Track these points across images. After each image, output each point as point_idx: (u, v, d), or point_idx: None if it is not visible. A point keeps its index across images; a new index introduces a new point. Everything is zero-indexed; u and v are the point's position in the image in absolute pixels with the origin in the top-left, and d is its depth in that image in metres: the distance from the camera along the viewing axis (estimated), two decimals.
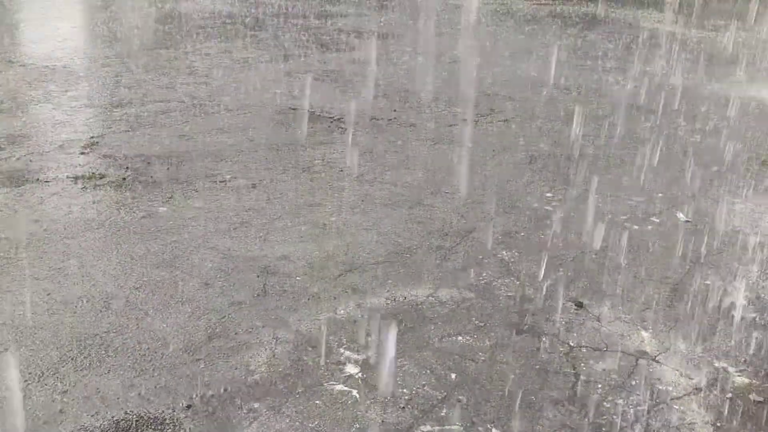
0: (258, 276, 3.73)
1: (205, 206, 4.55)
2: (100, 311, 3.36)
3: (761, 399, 2.93)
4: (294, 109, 6.72)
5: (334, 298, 3.55)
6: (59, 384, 2.86)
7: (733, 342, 3.32)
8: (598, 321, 3.44)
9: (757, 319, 3.53)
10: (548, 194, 4.94)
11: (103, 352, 3.06)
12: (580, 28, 12.09)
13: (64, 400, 2.77)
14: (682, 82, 8.20)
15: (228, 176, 5.05)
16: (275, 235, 4.19)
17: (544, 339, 3.28)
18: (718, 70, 8.92)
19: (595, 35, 11.38)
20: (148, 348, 3.10)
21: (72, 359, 3.01)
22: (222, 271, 3.76)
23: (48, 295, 3.48)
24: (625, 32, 11.62)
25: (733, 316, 3.54)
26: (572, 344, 3.25)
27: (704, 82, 8.28)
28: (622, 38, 11.05)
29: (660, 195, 4.97)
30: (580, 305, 3.57)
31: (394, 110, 6.79)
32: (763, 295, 3.76)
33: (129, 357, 3.04)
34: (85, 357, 3.02)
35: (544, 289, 3.71)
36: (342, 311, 3.45)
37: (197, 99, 6.92)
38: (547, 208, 4.71)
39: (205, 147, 5.62)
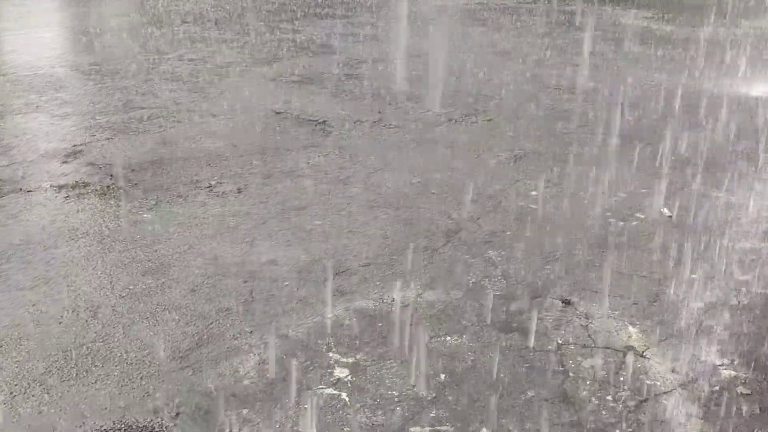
0: (245, 281, 3.72)
1: (190, 212, 4.54)
2: (86, 321, 3.34)
3: (748, 392, 2.95)
4: (279, 112, 6.71)
5: (322, 301, 3.55)
6: (46, 395, 2.84)
7: (719, 336, 3.35)
8: (586, 318, 3.46)
9: (742, 313, 3.56)
10: (533, 192, 4.95)
11: (90, 361, 3.04)
12: (563, 24, 12.13)
13: (51, 411, 2.75)
14: (668, 80, 8.25)
15: (213, 182, 5.03)
16: (262, 240, 4.18)
17: (532, 337, 3.28)
18: (702, 68, 8.97)
19: (579, 32, 11.42)
20: (136, 356, 3.09)
21: (58, 370, 2.99)
22: (208, 277, 3.75)
23: (33, 305, 3.46)
24: (606, 29, 11.67)
25: (719, 311, 3.56)
26: (560, 342, 3.26)
27: (689, 80, 8.33)
28: (604, 35, 11.09)
29: (644, 191, 4.99)
30: (567, 303, 3.58)
31: (379, 112, 6.79)
32: (746, 288, 3.78)
33: (116, 366, 3.02)
34: (71, 367, 3.00)
35: (532, 288, 3.72)
36: (330, 314, 3.44)
37: (181, 104, 6.90)
38: (532, 206, 4.73)
39: (190, 153, 5.60)
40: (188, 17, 12.24)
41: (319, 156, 5.59)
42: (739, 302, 3.64)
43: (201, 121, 6.43)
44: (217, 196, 4.80)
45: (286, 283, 3.72)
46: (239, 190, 4.89)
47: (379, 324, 3.37)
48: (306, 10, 13.36)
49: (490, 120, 6.63)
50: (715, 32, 11.32)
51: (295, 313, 3.45)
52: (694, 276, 3.87)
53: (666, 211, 4.67)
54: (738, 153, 5.81)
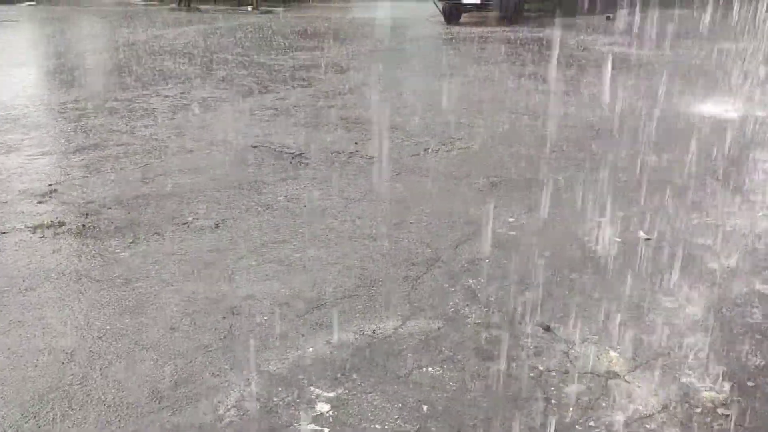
0: (224, 317, 3.69)
1: (167, 249, 4.50)
2: (63, 363, 3.29)
3: (728, 413, 2.96)
4: (255, 146, 6.71)
5: (302, 335, 3.53)
6: None
7: (700, 358, 3.36)
8: (567, 344, 3.46)
9: (722, 335, 3.58)
10: (511, 219, 4.98)
11: (67, 406, 2.99)
12: (534, 52, 12.30)
13: None
14: (640, 105, 8.37)
15: (190, 217, 5.01)
16: (240, 275, 4.16)
17: (514, 365, 3.28)
18: (671, 91, 9.12)
19: (550, 59, 11.58)
20: (114, 399, 3.04)
21: (34, 416, 2.93)
22: (187, 315, 3.71)
23: (8, 349, 3.40)
24: (576, 55, 11.84)
25: (699, 333, 3.58)
26: (542, 368, 3.26)
27: (664, 103, 8.45)
28: (574, 61, 11.26)
29: (621, 214, 5.03)
30: (547, 329, 3.58)
31: (356, 143, 6.82)
32: (724, 311, 3.81)
33: (93, 409, 2.97)
34: (48, 412, 2.95)
35: (512, 315, 3.72)
36: (310, 349, 3.42)
37: (157, 141, 6.89)
38: (511, 233, 4.75)
39: (167, 189, 5.58)
40: (164, 53, 12.27)
41: (296, 189, 5.59)
42: (719, 324, 3.66)
43: (178, 156, 6.41)
44: (195, 231, 4.77)
45: (266, 317, 3.69)
46: (217, 225, 4.87)
47: (360, 356, 3.34)
48: (282, 43, 13.46)
49: (466, 148, 6.68)
50: (680, 55, 11.52)
51: (276, 348, 3.42)
52: (673, 299, 3.89)
53: (644, 234, 4.71)
54: (710, 174, 5.88)
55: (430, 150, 6.63)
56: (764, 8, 11.97)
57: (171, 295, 3.92)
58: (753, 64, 10.20)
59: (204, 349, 3.40)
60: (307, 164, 6.19)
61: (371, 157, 6.41)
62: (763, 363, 3.31)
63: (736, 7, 12.85)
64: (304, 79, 9.96)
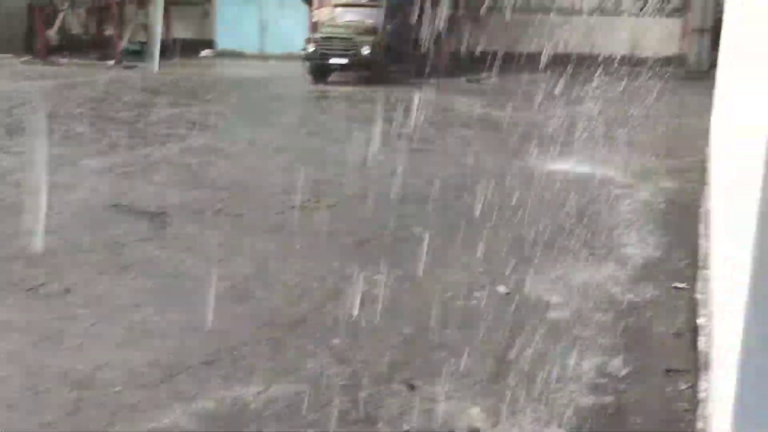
0: (71, 390, 3.43)
1: (11, 318, 4.18)
2: None
3: None
4: (115, 205, 6.43)
5: (157, 406, 3.33)
6: None
7: (559, 409, 3.45)
8: (431, 401, 3.46)
9: (582, 385, 3.70)
10: (375, 277, 4.99)
11: None
12: (399, 111, 12.63)
13: None
14: (499, 161, 8.72)
15: (37, 282, 4.69)
16: (91, 344, 3.90)
17: (380, 425, 3.24)
18: (532, 150, 9.57)
19: (412, 119, 11.91)
20: None
21: None
22: (30, 390, 3.43)
23: None
24: (440, 114, 12.26)
25: (560, 384, 3.68)
26: (407, 428, 3.23)
27: (519, 160, 8.85)
28: (438, 121, 11.64)
29: (481, 270, 5.16)
30: (412, 387, 3.57)
31: (221, 200, 6.68)
32: (582, 363, 3.94)
33: None
34: None
35: (377, 374, 3.69)
36: (166, 420, 3.23)
37: (5, 200, 6.46)
38: (375, 291, 4.75)
39: (15, 252, 5.21)
40: (17, 107, 11.64)
41: (156, 249, 5.38)
42: (578, 375, 3.78)
43: (29, 216, 6.02)
44: (42, 298, 4.46)
45: (118, 388, 3.47)
46: (67, 290, 4.58)
47: (221, 426, 3.19)
48: (143, 100, 13.12)
49: (332, 205, 6.69)
50: (537, 116, 12.20)
51: (127, 421, 3.21)
52: (533, 351, 4.00)
53: (503, 288, 4.85)
54: (567, 229, 6.16)
55: (296, 207, 6.59)
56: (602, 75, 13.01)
57: (13, 368, 3.62)
58: (598, 125, 10.93)
59: (47, 427, 3.14)
60: (170, 223, 5.99)
61: (236, 215, 6.29)
62: None
63: (587, 73, 13.81)
64: (166, 136, 9.71)
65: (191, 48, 21.59)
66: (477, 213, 6.61)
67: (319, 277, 4.93)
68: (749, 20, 3.42)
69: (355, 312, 4.41)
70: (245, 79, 17.21)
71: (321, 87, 16.09)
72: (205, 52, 22.30)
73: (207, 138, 9.69)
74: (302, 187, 7.26)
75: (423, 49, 16.40)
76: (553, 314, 4.48)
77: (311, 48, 16.70)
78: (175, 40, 20.77)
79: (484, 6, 20.53)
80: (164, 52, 19.11)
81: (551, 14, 21.20)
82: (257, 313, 4.36)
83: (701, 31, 19.62)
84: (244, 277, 4.91)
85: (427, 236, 5.87)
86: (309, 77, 16.91)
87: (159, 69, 18.43)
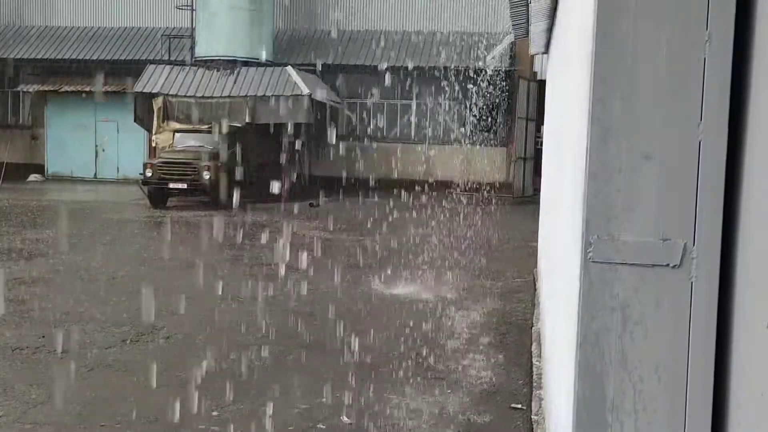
0: None
1: None
2: None
3: None
4: None
5: None
6: None
7: None
8: None
9: None
10: (215, 413, 4.73)
11: None
12: (242, 236, 12.51)
13: None
14: (343, 285, 8.75)
15: None
16: None
17: None
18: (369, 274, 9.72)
19: (256, 244, 11.84)
20: None
21: None
22: None
23: None
24: (281, 239, 12.27)
25: None
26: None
27: (363, 285, 8.93)
28: (281, 245, 11.63)
29: (323, 400, 5.03)
30: None
31: (42, 336, 6.17)
32: None
33: None
34: None
35: None
36: None
37: None
38: (214, 428, 4.49)
39: None
40: None
41: None
42: None
43: None
44: None
45: None
46: None
47: None
48: None
49: (168, 338, 6.36)
50: (355, 239, 12.51)
51: None
52: None
53: (346, 419, 4.73)
54: (407, 355, 6.21)
55: (128, 341, 6.20)
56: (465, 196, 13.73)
57: None
58: (435, 249, 11.34)
59: None
60: None
61: (61, 352, 5.81)
62: None
63: (424, 197, 14.45)
64: None
65: (18, 172, 20.56)
66: (313, 341, 6.54)
67: (152, 420, 4.59)
68: (551, 149, 3.73)
69: None
70: (78, 204, 16.53)
71: (160, 212, 15.72)
72: (33, 177, 21.33)
73: (28, 267, 9.05)
74: (136, 319, 6.89)
75: (264, 175, 16.61)
76: None
77: (149, 173, 16.43)
78: (0, 164, 19.76)
79: (327, 134, 21.29)
80: None
81: (389, 143, 22.35)
82: None
83: (524, 159, 21.32)
84: (65, 423, 4.47)
85: (271, 365, 5.70)
86: (147, 202, 16.52)
87: None
